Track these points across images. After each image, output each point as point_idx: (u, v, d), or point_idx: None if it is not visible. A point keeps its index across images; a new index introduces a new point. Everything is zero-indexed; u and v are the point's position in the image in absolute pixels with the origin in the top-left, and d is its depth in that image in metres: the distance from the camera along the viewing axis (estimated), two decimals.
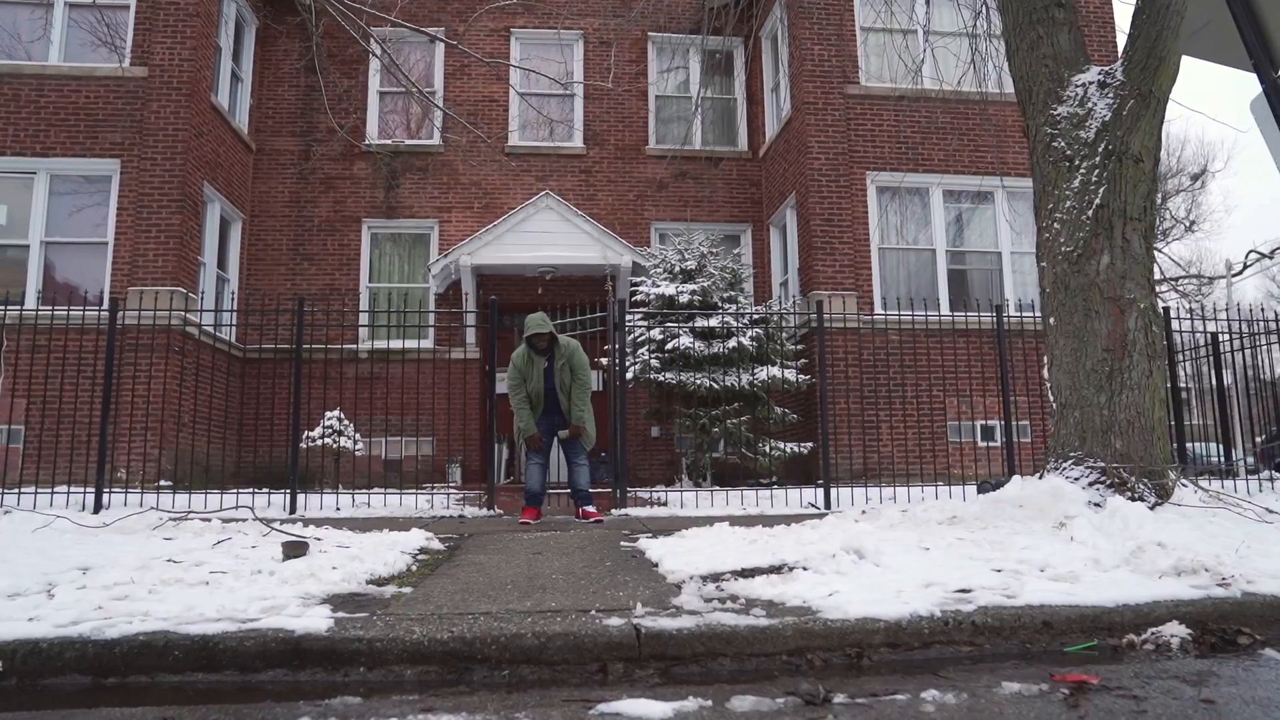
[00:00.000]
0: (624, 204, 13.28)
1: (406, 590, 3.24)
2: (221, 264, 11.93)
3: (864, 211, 11.41)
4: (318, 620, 2.59)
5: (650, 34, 13.87)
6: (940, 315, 10.53)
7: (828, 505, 7.67)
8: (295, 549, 3.58)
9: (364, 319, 11.82)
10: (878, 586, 2.95)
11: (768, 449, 9.57)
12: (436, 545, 4.57)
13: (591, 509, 6.61)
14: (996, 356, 8.79)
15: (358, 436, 9.95)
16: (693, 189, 13.44)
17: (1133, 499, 4.17)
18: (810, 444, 9.98)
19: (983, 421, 10.84)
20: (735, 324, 9.78)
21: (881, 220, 11.57)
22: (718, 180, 13.55)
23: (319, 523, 5.98)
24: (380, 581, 3.36)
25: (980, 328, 9.93)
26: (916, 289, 10.92)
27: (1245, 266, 27.21)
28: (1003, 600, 2.77)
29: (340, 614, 2.77)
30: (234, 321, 9.99)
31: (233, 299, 11.58)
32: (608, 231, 11.99)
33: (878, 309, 10.73)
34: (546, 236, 11.88)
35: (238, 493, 7.59)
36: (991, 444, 10.81)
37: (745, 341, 9.72)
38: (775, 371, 9.57)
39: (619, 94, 13.59)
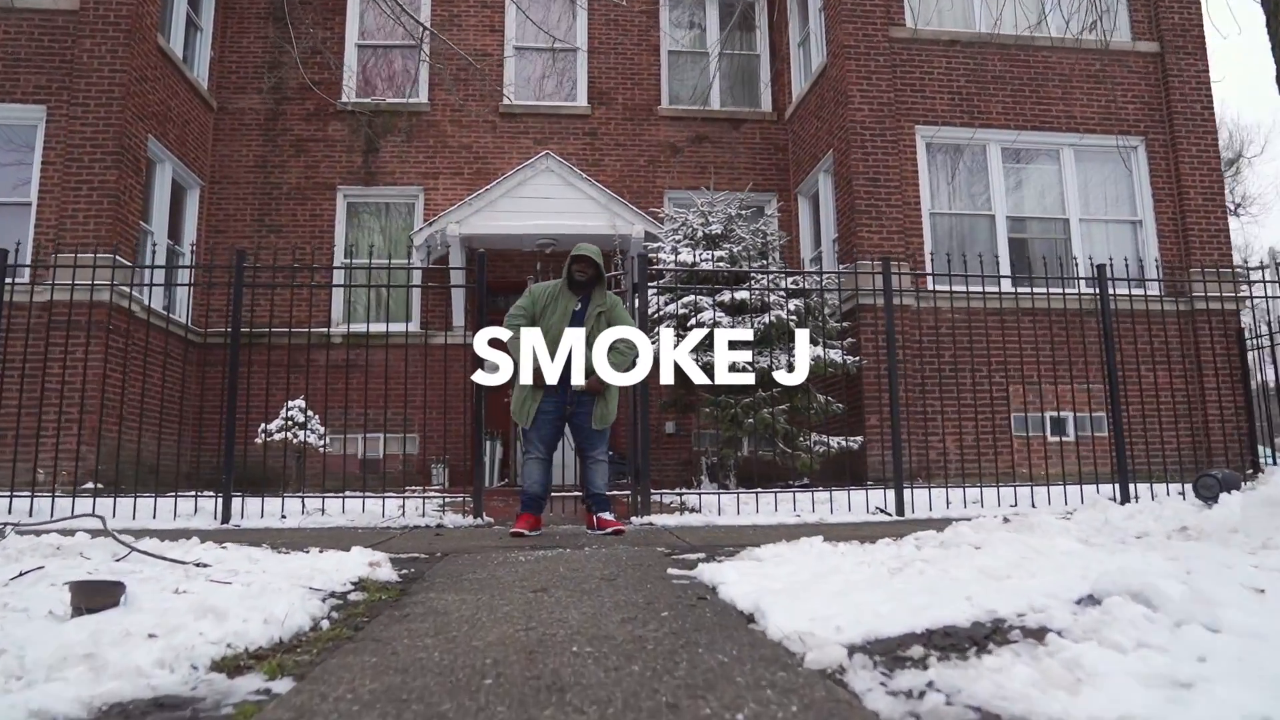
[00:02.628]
0: (634, 170, 11.71)
1: (278, 689, 1.61)
2: (175, 235, 10.35)
3: (913, 171, 9.84)
4: None
5: None
6: (1017, 276, 8.93)
7: (900, 511, 6.11)
8: (94, 595, 1.97)
9: (335, 281, 10.23)
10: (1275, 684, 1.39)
11: (810, 443, 7.98)
12: (384, 575, 2.97)
13: (609, 516, 5.04)
14: (1100, 332, 7.23)
15: (324, 430, 8.34)
16: (711, 154, 11.87)
17: None
18: (859, 438, 8.40)
19: (1053, 413, 9.22)
20: (775, 293, 8.22)
21: (933, 181, 10.00)
22: (739, 145, 11.99)
23: (255, 535, 4.41)
24: (235, 666, 1.75)
25: (1049, 304, 8.44)
26: (973, 258, 9.29)
27: None
28: None
29: None
30: (152, 280, 8.34)
31: (187, 259, 9.94)
32: (616, 198, 10.43)
33: (932, 280, 9.08)
34: (547, 203, 10.29)
35: (155, 497, 5.97)
36: (1064, 438, 9.19)
37: (786, 315, 8.14)
38: (819, 351, 7.98)
39: (628, 49, 12.04)
